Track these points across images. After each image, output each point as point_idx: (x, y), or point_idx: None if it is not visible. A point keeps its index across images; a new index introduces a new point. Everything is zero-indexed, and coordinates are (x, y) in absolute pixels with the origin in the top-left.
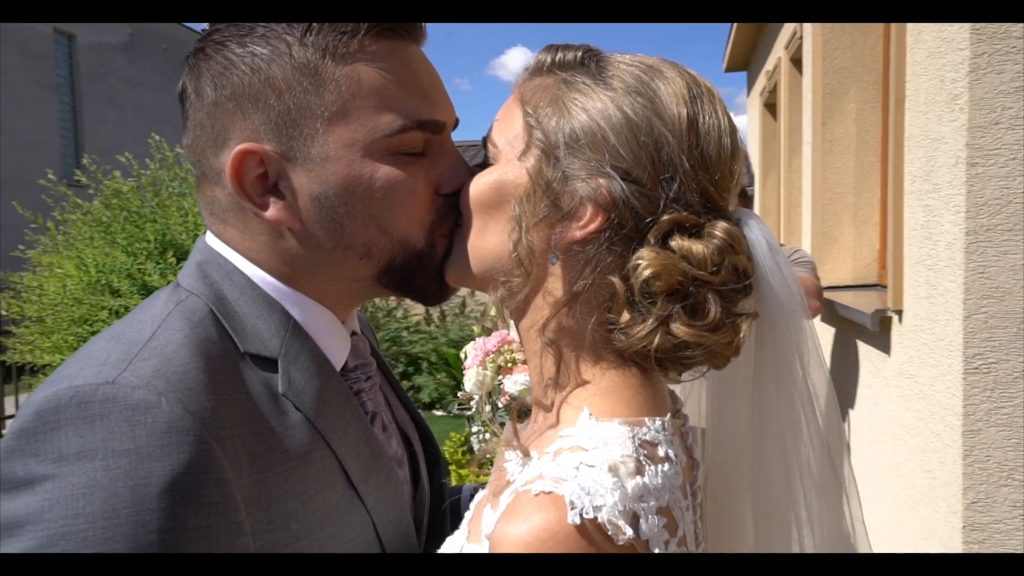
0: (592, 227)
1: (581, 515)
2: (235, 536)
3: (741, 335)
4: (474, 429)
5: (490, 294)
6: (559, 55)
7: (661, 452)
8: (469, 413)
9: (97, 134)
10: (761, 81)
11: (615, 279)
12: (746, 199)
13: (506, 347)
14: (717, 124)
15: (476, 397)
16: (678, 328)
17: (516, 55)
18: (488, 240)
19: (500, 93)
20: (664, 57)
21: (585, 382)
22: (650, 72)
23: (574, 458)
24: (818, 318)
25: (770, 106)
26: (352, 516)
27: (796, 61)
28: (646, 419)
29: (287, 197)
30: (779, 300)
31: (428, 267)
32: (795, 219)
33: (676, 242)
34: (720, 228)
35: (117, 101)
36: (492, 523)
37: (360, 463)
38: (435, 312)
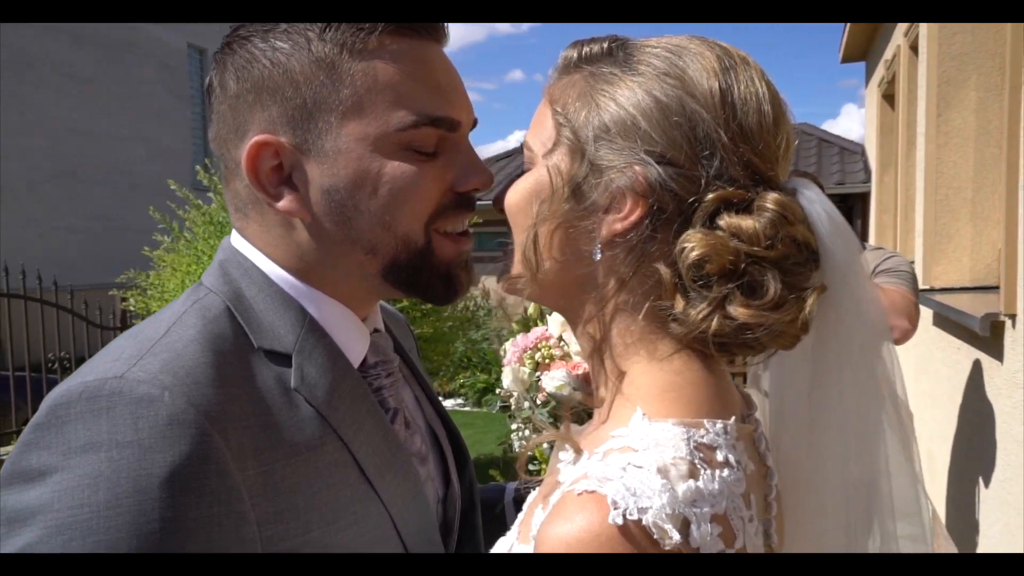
0: (633, 217)
1: (624, 516)
2: (239, 525)
3: (807, 310)
4: (513, 427)
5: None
6: (585, 49)
7: (720, 456)
8: (510, 412)
9: None
10: (880, 71)
11: (660, 266)
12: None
13: (543, 344)
14: (755, 93)
15: (515, 394)
16: (736, 310)
17: None
18: (540, 258)
19: None
20: (777, 49)
21: (639, 380)
22: (677, 51)
23: (622, 458)
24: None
25: (888, 97)
26: (367, 509)
27: (915, 49)
28: (705, 421)
29: (300, 189)
30: (842, 273)
31: (433, 266)
32: (911, 216)
33: (724, 220)
34: (771, 200)
35: None
36: (540, 524)
37: (375, 457)
38: (535, 314)
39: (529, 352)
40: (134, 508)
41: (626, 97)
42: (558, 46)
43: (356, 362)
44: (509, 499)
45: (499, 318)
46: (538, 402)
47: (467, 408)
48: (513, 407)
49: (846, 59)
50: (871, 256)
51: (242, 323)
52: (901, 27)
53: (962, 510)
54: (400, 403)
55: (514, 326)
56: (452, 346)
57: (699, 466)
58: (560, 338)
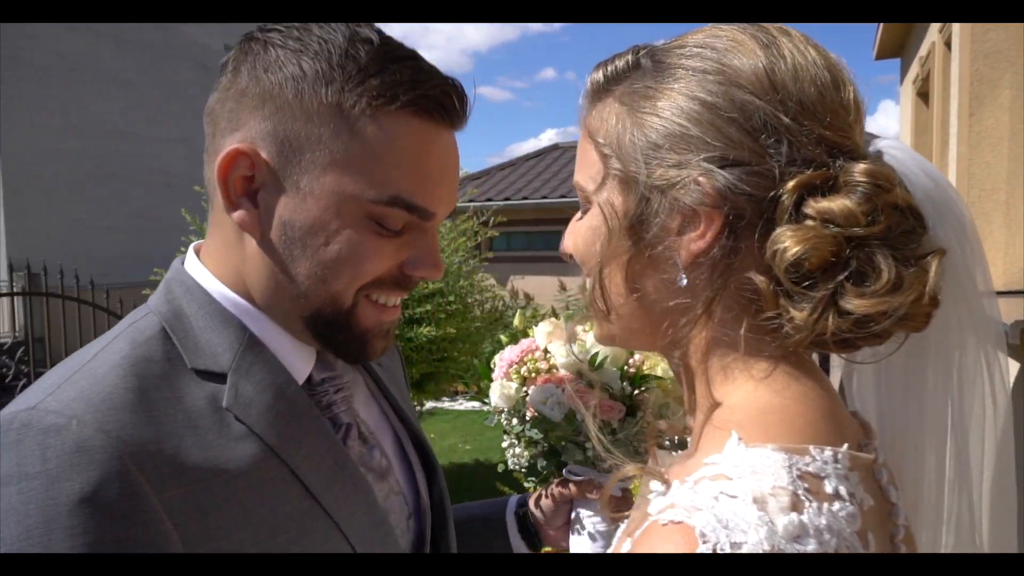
0: (711, 232)
1: (716, 549)
2: (164, 546)
3: (931, 282)
4: (505, 444)
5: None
6: (610, 68)
7: (828, 488)
8: (503, 428)
9: None
10: (914, 68)
11: (754, 276)
12: None
13: (529, 357)
14: (805, 62)
15: (504, 410)
16: (851, 303)
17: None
18: (612, 298)
19: None
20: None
21: (736, 403)
22: (710, 43)
23: (714, 487)
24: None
25: (923, 95)
26: (313, 524)
27: (950, 45)
28: (811, 447)
29: (260, 207)
30: (955, 233)
31: (351, 327)
32: None
33: (812, 207)
34: (858, 171)
35: None
36: None
37: (319, 473)
38: (562, 312)
39: (515, 367)
40: (43, 538)
41: (668, 107)
42: (590, 44)
43: (301, 378)
44: (511, 513)
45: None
46: (527, 418)
47: None
48: (504, 424)
49: (880, 56)
50: None
51: (177, 344)
52: (936, 24)
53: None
54: (354, 418)
55: (502, 338)
56: (480, 347)
57: (803, 497)
58: (545, 350)
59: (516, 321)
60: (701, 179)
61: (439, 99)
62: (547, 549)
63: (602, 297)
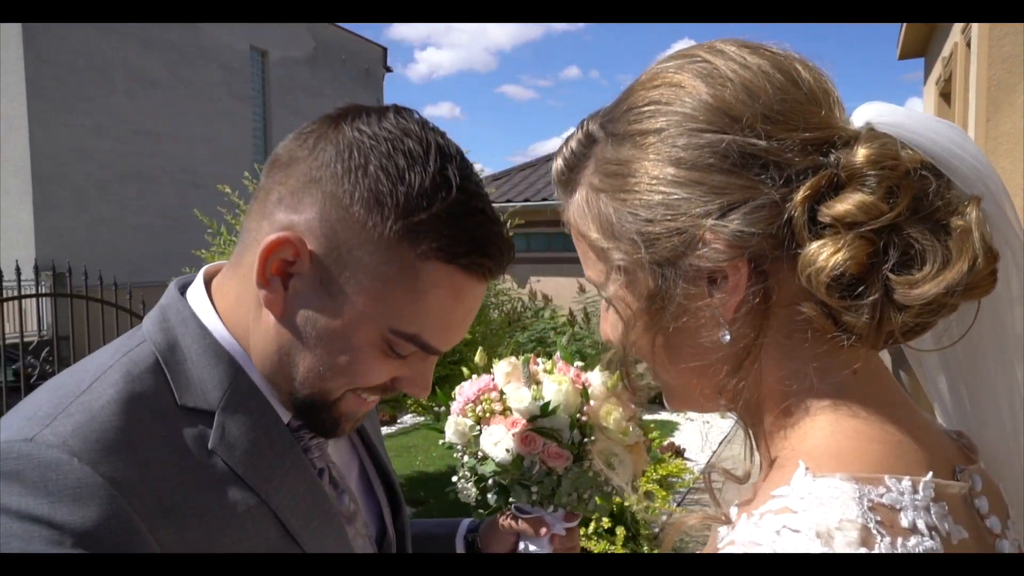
0: (741, 282)
1: None
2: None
3: (977, 239)
4: (455, 477)
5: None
6: (567, 153)
7: (904, 521)
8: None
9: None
10: (937, 69)
11: (800, 306)
12: None
13: (485, 396)
14: (750, 74)
15: (459, 446)
16: (906, 295)
17: (683, 48)
18: (662, 374)
19: None
20: (836, 43)
21: (805, 430)
22: (653, 98)
23: (777, 521)
24: None
25: (945, 96)
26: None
27: (971, 46)
28: (886, 477)
29: (288, 292)
30: (967, 180)
31: (330, 410)
32: None
33: (827, 215)
34: (859, 158)
35: (300, 110)
36: None
37: (297, 512)
38: (580, 314)
39: (471, 404)
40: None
41: (645, 180)
42: (614, 42)
43: (286, 416)
44: (461, 536)
45: (544, 319)
46: (479, 456)
47: None
48: (456, 457)
49: (904, 56)
50: None
51: (169, 378)
52: (958, 24)
53: None
54: (327, 462)
55: (464, 370)
56: (497, 349)
57: (875, 531)
58: (501, 392)
59: (476, 358)
60: (708, 236)
61: (490, 264)
62: None
63: (656, 377)
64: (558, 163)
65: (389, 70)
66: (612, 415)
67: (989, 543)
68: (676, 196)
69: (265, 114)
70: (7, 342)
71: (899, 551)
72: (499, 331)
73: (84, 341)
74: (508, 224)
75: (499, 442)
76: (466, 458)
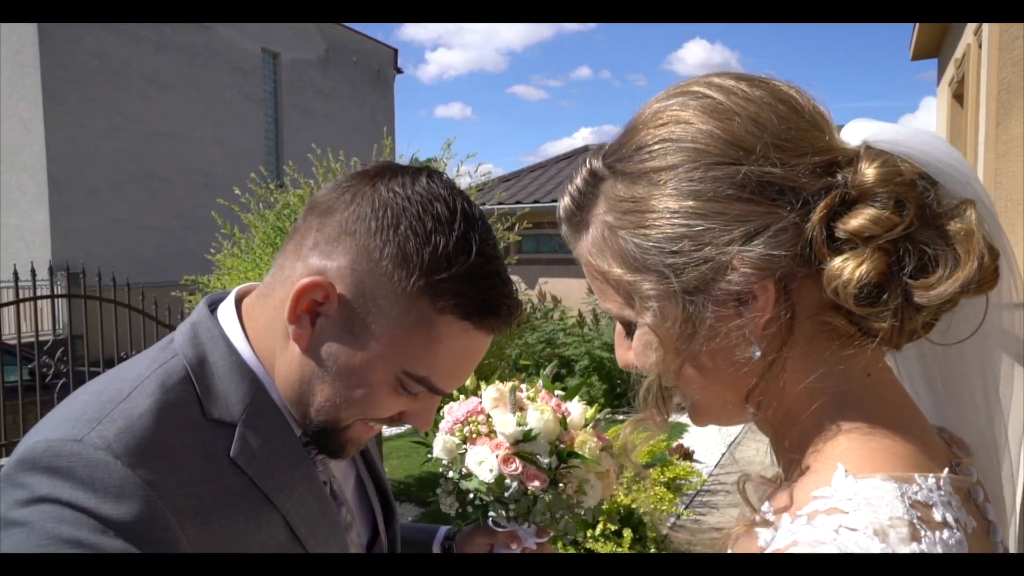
0: (770, 301)
1: None
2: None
3: (979, 238)
4: (438, 490)
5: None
6: (574, 191)
7: (937, 516)
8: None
9: (294, 143)
10: (950, 70)
11: (824, 316)
12: None
13: (473, 418)
14: (755, 107)
15: (444, 462)
16: (924, 296)
17: (695, 48)
18: (693, 393)
19: None
20: (851, 41)
21: (836, 435)
22: (662, 135)
23: (831, 521)
24: None
25: (958, 97)
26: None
27: (983, 47)
28: (916, 475)
29: (315, 328)
30: (957, 186)
31: (338, 436)
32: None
33: (844, 231)
34: (869, 176)
35: (312, 112)
36: None
37: (305, 520)
38: (589, 315)
39: (459, 425)
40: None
41: (667, 214)
42: (625, 42)
43: (299, 431)
44: (438, 543)
45: (554, 321)
46: (463, 473)
47: None
48: (442, 471)
49: (917, 56)
50: None
51: (197, 391)
52: (971, 25)
53: None
54: (328, 476)
55: (454, 392)
56: (505, 350)
57: (919, 527)
58: (488, 415)
59: (468, 382)
60: (735, 263)
61: (499, 321)
62: None
63: (684, 396)
64: (565, 202)
65: (400, 71)
66: (587, 444)
67: (987, 529)
68: (700, 227)
69: (277, 115)
70: (23, 341)
71: (939, 545)
72: (507, 332)
73: (98, 340)
74: (517, 226)
75: (484, 462)
76: (451, 473)
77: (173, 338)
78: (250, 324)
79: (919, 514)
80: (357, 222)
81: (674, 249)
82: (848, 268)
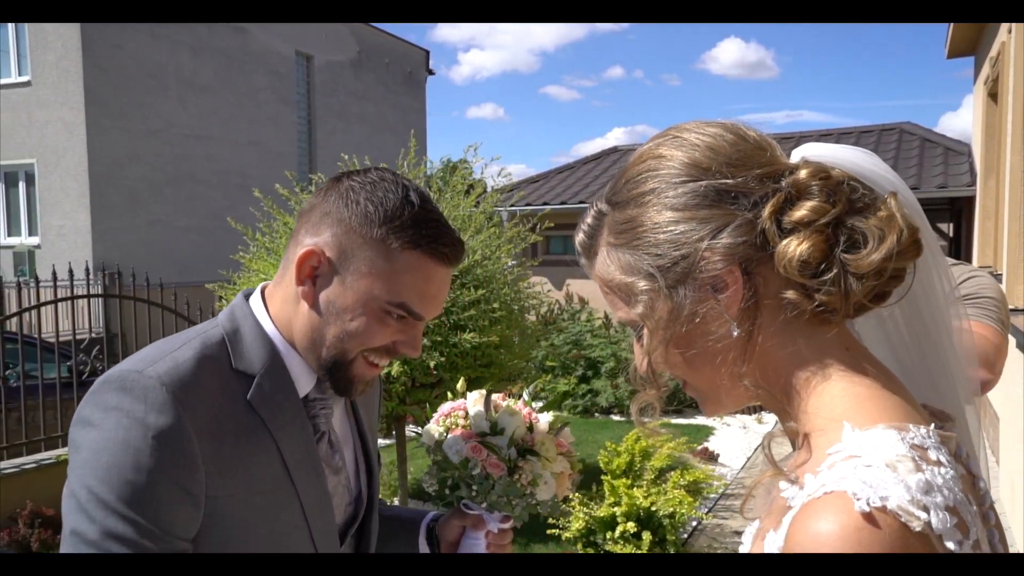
0: (739, 283)
1: (868, 503)
2: (195, 471)
3: (899, 216)
4: (423, 475)
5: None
6: (585, 227)
7: (933, 456)
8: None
9: (327, 145)
10: (986, 69)
11: (785, 293)
12: None
13: (455, 414)
14: (711, 139)
15: (429, 446)
16: (858, 267)
17: (729, 47)
18: (692, 380)
19: (711, 88)
20: (891, 39)
21: (831, 402)
22: (645, 167)
23: (850, 464)
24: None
25: (994, 96)
26: (281, 486)
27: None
28: (910, 424)
29: (316, 286)
30: (882, 187)
31: (345, 371)
32: (1000, 229)
33: (789, 221)
34: (803, 177)
35: (344, 113)
36: (778, 542)
37: (295, 455)
38: (462, 389)
39: (444, 418)
40: (138, 447)
41: (653, 225)
42: (657, 42)
43: (302, 392)
44: (424, 523)
45: (580, 322)
46: (440, 457)
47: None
48: (427, 454)
49: (952, 55)
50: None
51: (230, 351)
52: (1006, 24)
53: None
54: (329, 428)
55: (449, 394)
56: (532, 352)
57: (919, 462)
58: (466, 412)
59: (459, 386)
60: (706, 254)
61: (445, 249)
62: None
63: (690, 388)
64: (579, 236)
65: (431, 73)
66: (545, 444)
67: (972, 483)
68: (677, 231)
69: (310, 117)
70: (61, 339)
71: (940, 477)
72: (533, 334)
73: (133, 339)
74: (539, 226)
75: (454, 446)
76: (434, 456)
77: (216, 317)
78: (271, 304)
79: (918, 454)
80: (332, 205)
81: (659, 253)
82: (791, 247)
